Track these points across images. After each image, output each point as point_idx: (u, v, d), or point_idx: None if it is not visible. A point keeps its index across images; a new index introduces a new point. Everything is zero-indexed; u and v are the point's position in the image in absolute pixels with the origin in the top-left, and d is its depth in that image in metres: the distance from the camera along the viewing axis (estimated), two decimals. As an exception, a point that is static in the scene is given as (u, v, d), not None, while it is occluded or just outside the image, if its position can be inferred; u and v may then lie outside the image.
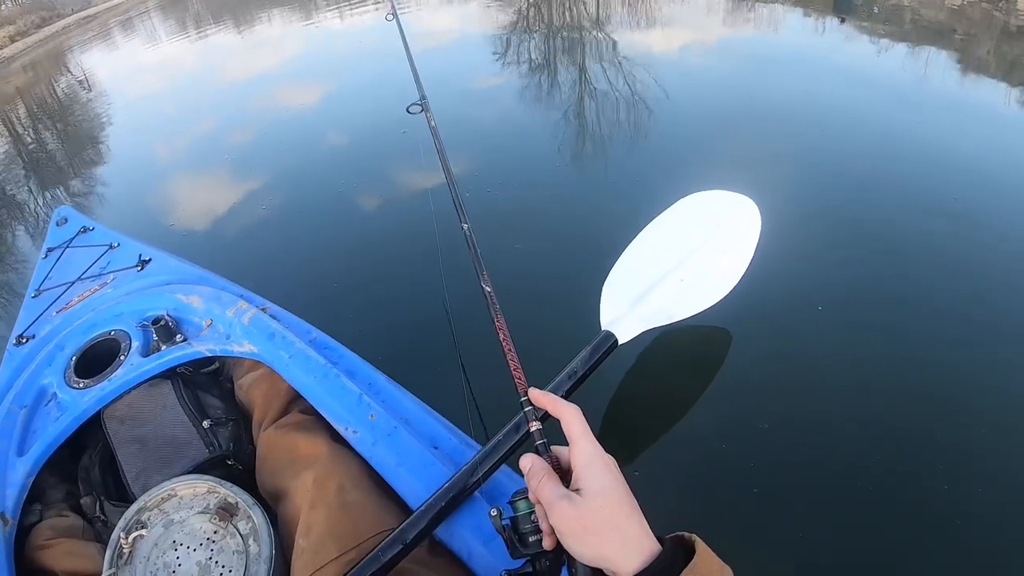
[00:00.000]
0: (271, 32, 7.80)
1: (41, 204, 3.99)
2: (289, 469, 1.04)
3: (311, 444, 1.04)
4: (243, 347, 1.23)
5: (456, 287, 2.05)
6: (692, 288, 1.21)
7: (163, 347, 1.32)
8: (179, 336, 1.33)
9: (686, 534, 0.45)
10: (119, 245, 1.72)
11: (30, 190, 4.32)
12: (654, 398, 1.62)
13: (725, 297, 1.34)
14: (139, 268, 1.59)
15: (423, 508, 0.83)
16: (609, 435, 1.60)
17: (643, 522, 0.46)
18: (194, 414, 1.20)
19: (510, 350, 0.59)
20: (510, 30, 5.12)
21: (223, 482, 1.02)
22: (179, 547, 0.98)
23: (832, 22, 5.33)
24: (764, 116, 3.30)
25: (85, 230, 1.83)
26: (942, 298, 1.94)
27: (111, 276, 1.59)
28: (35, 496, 1.13)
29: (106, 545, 1.06)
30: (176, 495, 1.04)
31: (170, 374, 1.29)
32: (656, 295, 1.22)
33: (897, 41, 4.69)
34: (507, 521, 0.52)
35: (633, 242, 1.39)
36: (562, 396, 0.97)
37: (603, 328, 1.16)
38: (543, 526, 0.50)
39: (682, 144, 2.91)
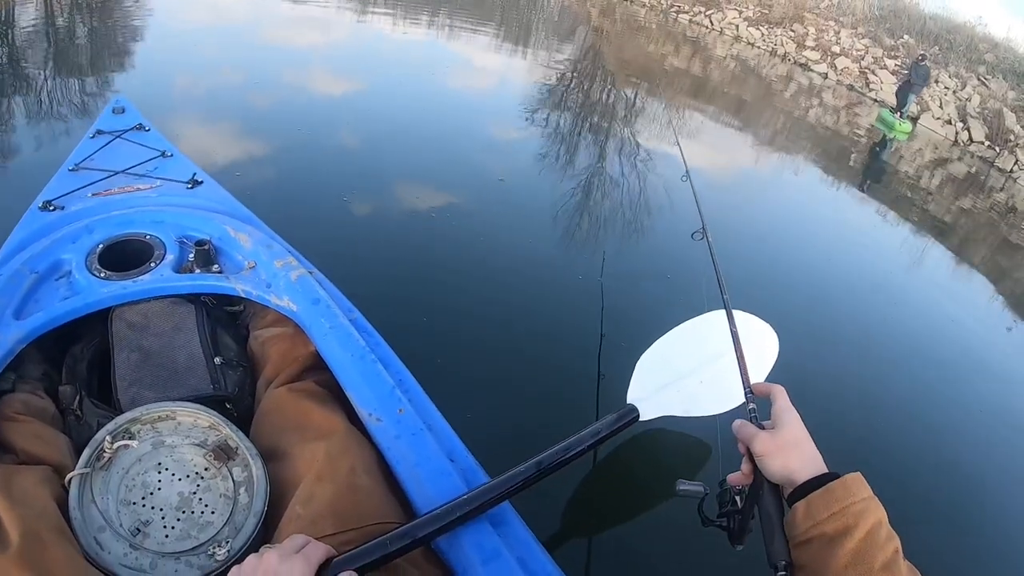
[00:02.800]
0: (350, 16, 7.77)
1: (48, 84, 3.76)
2: (296, 433, 1.02)
3: (326, 417, 1.04)
4: (282, 301, 1.23)
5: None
6: (708, 391, 1.31)
7: (197, 270, 1.30)
8: (216, 266, 1.32)
9: (855, 473, 0.62)
10: (172, 156, 1.70)
11: (44, 67, 4.09)
12: (652, 477, 1.73)
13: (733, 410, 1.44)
14: (190, 186, 1.57)
15: (439, 511, 0.84)
16: (603, 492, 1.67)
17: (818, 453, 0.65)
18: (209, 347, 1.17)
19: (740, 352, 0.89)
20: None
21: (229, 423, 1.00)
22: (163, 471, 0.94)
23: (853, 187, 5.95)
24: (787, 253, 3.68)
25: (140, 128, 1.80)
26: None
27: (158, 182, 1.56)
28: (12, 364, 1.06)
29: (73, 439, 1.01)
30: (175, 418, 1.00)
31: (194, 299, 1.27)
32: (676, 388, 1.32)
33: (905, 219, 5.32)
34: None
35: (666, 335, 1.51)
36: (580, 451, 1.07)
37: (628, 401, 1.26)
38: (743, 467, 0.69)
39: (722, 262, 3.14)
